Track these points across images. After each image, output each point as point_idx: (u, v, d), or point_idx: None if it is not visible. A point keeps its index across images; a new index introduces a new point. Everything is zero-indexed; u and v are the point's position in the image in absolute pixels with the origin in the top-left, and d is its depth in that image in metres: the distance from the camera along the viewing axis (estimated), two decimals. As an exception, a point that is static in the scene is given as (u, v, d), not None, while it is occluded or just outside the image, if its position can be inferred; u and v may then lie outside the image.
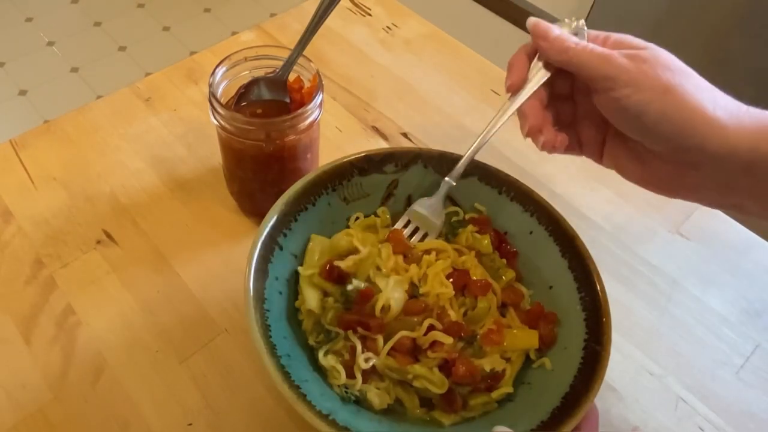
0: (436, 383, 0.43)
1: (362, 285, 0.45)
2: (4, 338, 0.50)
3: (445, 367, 0.43)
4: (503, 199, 0.50)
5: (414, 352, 0.44)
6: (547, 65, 0.42)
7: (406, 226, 0.50)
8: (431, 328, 0.44)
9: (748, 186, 0.37)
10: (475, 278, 0.47)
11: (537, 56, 0.42)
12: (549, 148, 0.42)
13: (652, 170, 0.41)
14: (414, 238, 0.50)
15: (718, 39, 1.26)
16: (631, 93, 0.37)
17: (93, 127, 0.66)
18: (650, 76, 0.37)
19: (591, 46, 0.39)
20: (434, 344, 0.43)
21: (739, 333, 0.55)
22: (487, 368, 0.44)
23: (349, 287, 0.45)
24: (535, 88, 0.42)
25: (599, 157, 0.44)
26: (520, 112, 0.43)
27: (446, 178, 0.48)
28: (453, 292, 0.46)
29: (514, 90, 0.43)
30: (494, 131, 0.45)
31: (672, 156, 0.39)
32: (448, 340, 0.43)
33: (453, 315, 0.45)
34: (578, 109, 0.44)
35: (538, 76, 0.42)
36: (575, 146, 0.44)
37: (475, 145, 0.46)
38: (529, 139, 0.43)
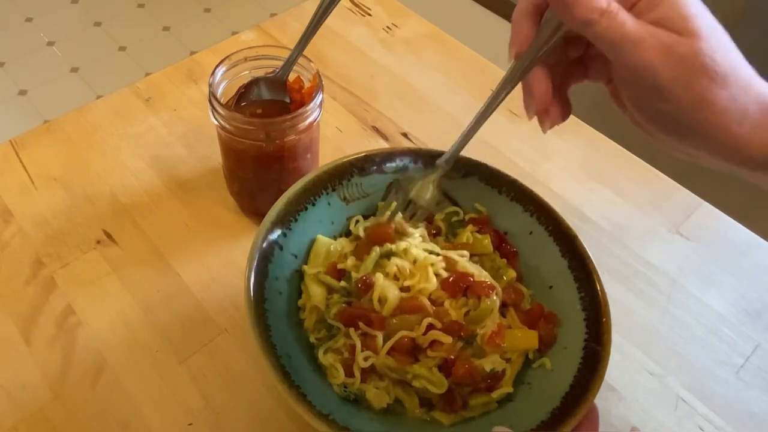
0: (435, 383, 0.42)
1: (362, 275, 0.45)
2: (4, 338, 0.50)
3: (445, 367, 0.43)
4: (503, 199, 0.50)
5: (413, 352, 0.44)
6: (560, 26, 0.35)
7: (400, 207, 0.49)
8: (430, 327, 0.44)
9: (755, 178, 0.35)
10: (478, 280, 0.46)
11: (548, 11, 0.36)
12: (551, 128, 0.38)
13: (656, 137, 0.37)
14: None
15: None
16: (655, 99, 0.33)
17: (93, 127, 0.66)
18: (681, 84, 0.31)
19: (620, 18, 0.32)
20: (434, 344, 0.43)
21: (739, 333, 0.55)
22: (487, 368, 0.43)
23: (351, 278, 0.46)
24: (542, 53, 0.36)
25: (606, 84, 0.39)
26: (525, 85, 0.38)
27: (440, 160, 0.46)
28: (435, 287, 0.45)
29: (518, 56, 0.37)
30: (496, 104, 0.40)
31: (683, 149, 0.35)
32: (447, 339, 0.43)
33: (453, 314, 0.44)
34: (589, 72, 0.39)
35: (548, 37, 0.35)
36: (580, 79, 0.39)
37: (474, 119, 0.41)
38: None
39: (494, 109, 0.40)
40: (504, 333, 0.45)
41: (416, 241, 0.47)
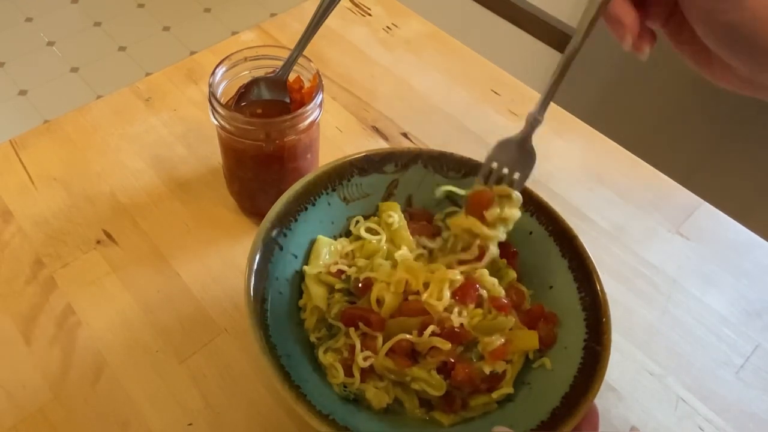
0: (434, 386, 0.42)
1: (362, 275, 0.45)
2: (4, 338, 0.50)
3: (444, 369, 0.43)
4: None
5: (413, 354, 0.44)
6: None
7: (489, 175, 0.44)
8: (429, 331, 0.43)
9: None
10: (499, 297, 0.46)
11: None
12: (647, 55, 0.35)
13: (711, 66, 0.35)
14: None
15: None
16: (727, 9, 0.30)
17: (93, 127, 0.66)
18: None
19: None
20: (433, 349, 0.43)
21: (739, 333, 0.55)
22: (487, 371, 0.43)
23: (350, 273, 0.46)
24: None
25: (662, 26, 0.37)
26: (611, 18, 0.35)
27: (531, 112, 0.41)
28: (444, 307, 0.44)
29: None
30: (581, 39, 0.37)
31: (746, 73, 0.33)
32: (446, 345, 0.42)
33: (455, 321, 0.44)
34: (650, 11, 0.37)
35: None
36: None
37: (567, 52, 0.38)
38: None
39: (575, 55, 0.38)
40: (510, 348, 0.44)
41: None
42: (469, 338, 0.44)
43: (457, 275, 0.44)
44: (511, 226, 0.44)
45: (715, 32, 0.32)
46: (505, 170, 0.44)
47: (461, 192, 0.49)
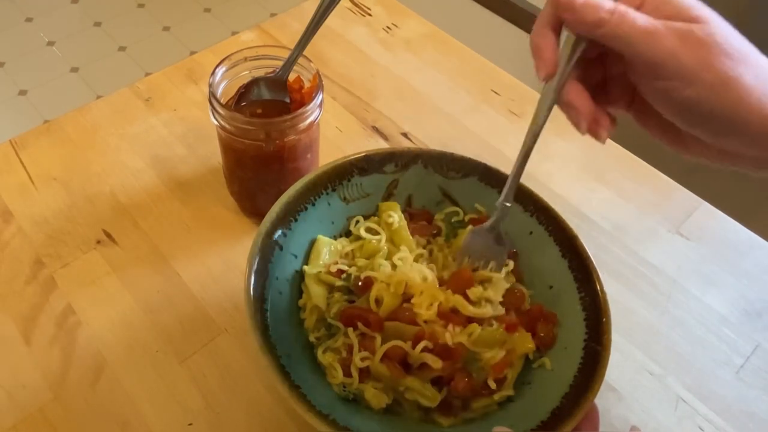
0: (428, 397, 0.42)
1: (363, 274, 0.45)
2: (4, 338, 0.50)
3: (440, 380, 0.43)
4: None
5: (407, 364, 0.43)
6: (579, 37, 0.35)
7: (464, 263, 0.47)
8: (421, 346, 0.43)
9: None
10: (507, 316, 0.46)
11: (563, 27, 0.35)
12: (608, 136, 0.36)
13: (686, 144, 0.36)
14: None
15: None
16: (681, 87, 0.32)
17: (93, 127, 0.66)
18: (706, 66, 0.31)
19: (631, 15, 0.32)
20: (425, 365, 0.43)
21: (739, 333, 0.55)
22: (492, 384, 0.43)
23: (351, 272, 0.46)
24: (570, 68, 0.35)
25: (626, 110, 0.38)
26: (565, 104, 0.36)
27: (499, 201, 0.43)
28: (429, 318, 0.44)
29: (549, 77, 0.36)
30: (539, 131, 0.38)
31: (711, 141, 0.34)
32: (437, 364, 0.42)
33: (448, 338, 0.43)
34: (608, 71, 0.38)
35: (571, 51, 0.35)
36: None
37: (520, 158, 0.40)
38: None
39: (536, 140, 0.39)
40: (509, 362, 0.44)
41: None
42: (464, 355, 0.43)
43: (441, 297, 0.44)
44: (498, 306, 0.46)
45: (677, 109, 0.33)
46: (481, 262, 0.47)
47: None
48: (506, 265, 0.47)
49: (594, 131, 0.36)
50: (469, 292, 0.45)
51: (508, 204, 0.42)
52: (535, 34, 0.36)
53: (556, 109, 0.37)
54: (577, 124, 0.36)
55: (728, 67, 0.31)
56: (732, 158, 0.35)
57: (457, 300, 0.44)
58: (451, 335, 0.43)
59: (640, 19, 0.32)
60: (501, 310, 0.46)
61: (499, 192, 0.50)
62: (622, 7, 0.33)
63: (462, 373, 0.43)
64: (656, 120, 0.36)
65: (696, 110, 0.32)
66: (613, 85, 0.38)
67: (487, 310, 0.45)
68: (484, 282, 0.46)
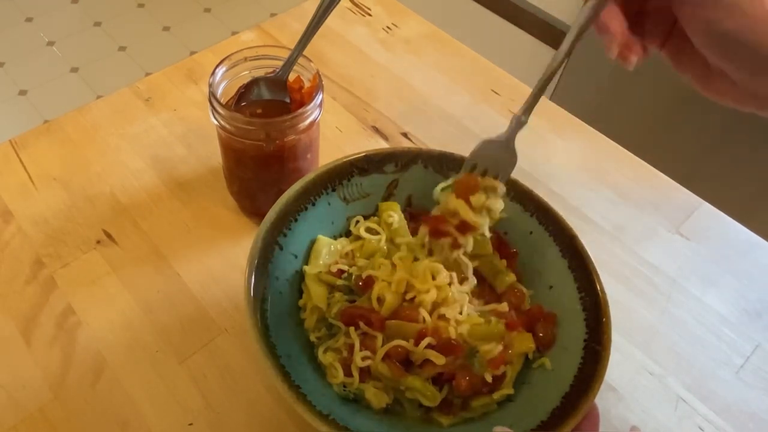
0: (428, 397, 0.42)
1: (364, 273, 0.45)
2: (4, 338, 0.50)
3: (440, 379, 0.43)
4: (503, 199, 0.50)
5: (408, 361, 0.44)
6: None
7: (472, 170, 0.44)
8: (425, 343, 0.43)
9: None
10: (509, 314, 0.46)
11: None
12: (639, 63, 0.36)
13: (716, 84, 0.36)
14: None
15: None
16: (725, 17, 0.32)
17: (93, 127, 0.66)
18: None
19: None
20: (428, 361, 0.43)
21: (739, 333, 0.55)
22: (489, 379, 0.43)
23: (352, 271, 0.46)
24: None
25: (660, 47, 0.38)
26: (601, 26, 0.36)
27: (515, 114, 0.42)
28: (431, 289, 0.44)
29: None
30: (568, 47, 0.37)
31: (746, 82, 0.34)
32: (440, 360, 0.42)
33: (452, 332, 0.44)
34: (646, 32, 0.38)
35: None
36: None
37: (558, 58, 0.38)
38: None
39: (564, 60, 0.38)
40: (507, 356, 0.44)
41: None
42: (465, 350, 0.43)
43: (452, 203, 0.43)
44: (496, 217, 0.44)
45: (716, 42, 0.33)
46: (487, 169, 0.44)
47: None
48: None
49: (624, 56, 0.36)
50: (472, 198, 0.43)
51: (524, 119, 0.42)
52: None
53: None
54: (609, 47, 0.36)
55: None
56: (761, 102, 0.35)
57: (459, 204, 0.43)
58: (455, 328, 0.43)
59: None
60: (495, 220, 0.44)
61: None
62: None
63: (463, 371, 0.43)
64: (689, 57, 0.36)
65: (735, 44, 0.32)
66: (650, 20, 0.37)
67: (484, 221, 0.43)
68: (488, 189, 0.44)
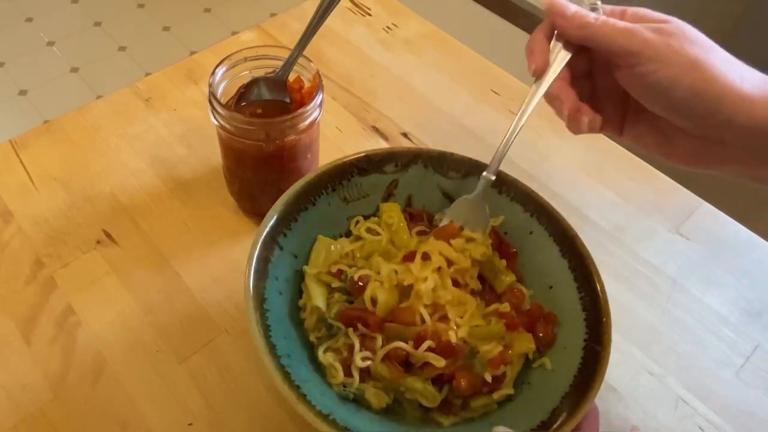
0: (428, 398, 0.42)
1: (357, 274, 0.45)
2: (4, 338, 0.50)
3: (440, 379, 0.43)
4: (503, 199, 0.50)
5: (408, 363, 0.43)
6: (568, 44, 0.41)
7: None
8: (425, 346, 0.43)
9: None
10: (510, 314, 0.46)
11: (555, 36, 0.41)
12: (590, 129, 0.41)
13: (676, 145, 0.40)
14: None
15: (722, 38, 1.26)
16: (658, 68, 0.36)
17: (93, 127, 0.66)
18: (677, 50, 0.36)
19: (612, 20, 0.39)
20: (428, 363, 0.43)
21: (739, 333, 0.55)
22: (489, 378, 0.43)
23: (349, 273, 0.46)
24: (559, 69, 0.41)
25: (619, 132, 0.43)
26: (551, 96, 0.42)
27: (484, 173, 0.47)
28: (428, 277, 0.45)
29: (539, 74, 0.41)
30: (525, 119, 0.43)
31: (698, 131, 0.38)
32: (440, 363, 0.42)
33: (452, 336, 0.43)
34: (597, 86, 0.43)
35: (561, 56, 0.41)
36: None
37: (507, 136, 0.44)
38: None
39: (521, 124, 0.44)
40: (507, 357, 0.44)
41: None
42: (465, 351, 0.43)
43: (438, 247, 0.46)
44: (479, 258, 0.47)
45: (657, 92, 0.38)
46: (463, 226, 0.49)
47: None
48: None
49: (575, 118, 0.40)
50: (453, 241, 0.47)
51: (492, 177, 0.47)
52: (530, 41, 0.42)
53: (550, 109, 0.39)
54: (559, 112, 0.42)
55: (696, 52, 0.36)
56: (721, 161, 0.39)
57: (441, 245, 0.46)
58: (455, 332, 0.43)
59: (620, 22, 0.38)
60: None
61: (499, 191, 0.50)
62: (605, 16, 0.40)
63: (463, 371, 0.43)
64: (647, 126, 0.41)
65: (675, 91, 0.36)
66: (603, 101, 0.43)
67: (467, 261, 0.46)
68: (468, 240, 0.48)
